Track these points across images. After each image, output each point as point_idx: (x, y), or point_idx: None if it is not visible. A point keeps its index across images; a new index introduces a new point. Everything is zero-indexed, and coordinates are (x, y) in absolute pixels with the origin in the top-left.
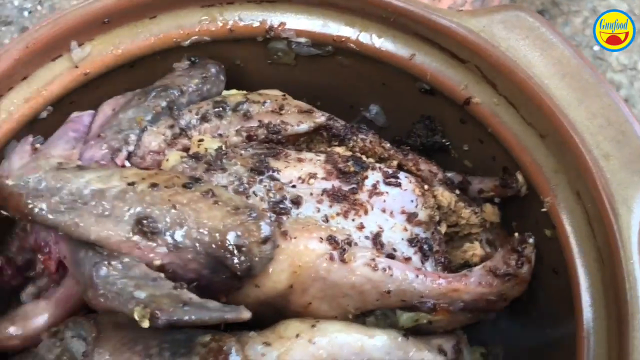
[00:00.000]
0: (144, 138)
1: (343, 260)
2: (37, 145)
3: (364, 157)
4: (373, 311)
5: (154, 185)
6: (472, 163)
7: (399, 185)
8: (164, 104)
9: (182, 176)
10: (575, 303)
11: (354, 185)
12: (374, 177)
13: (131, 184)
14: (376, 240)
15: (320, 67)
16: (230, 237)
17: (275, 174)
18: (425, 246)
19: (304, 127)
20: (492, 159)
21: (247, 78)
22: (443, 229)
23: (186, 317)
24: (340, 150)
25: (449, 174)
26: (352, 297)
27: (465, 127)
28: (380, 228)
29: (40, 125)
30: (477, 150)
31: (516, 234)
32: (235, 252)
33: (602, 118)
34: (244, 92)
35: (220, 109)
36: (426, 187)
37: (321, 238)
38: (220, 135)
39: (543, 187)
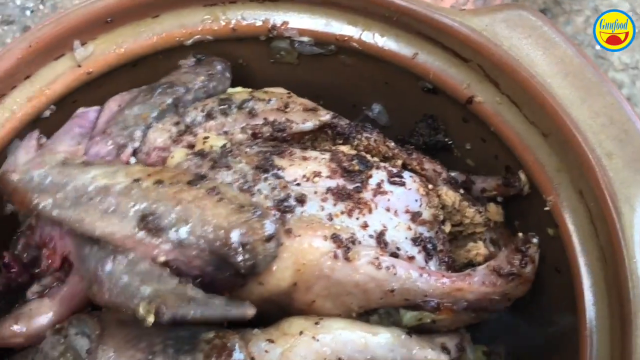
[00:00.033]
0: (150, 134)
1: (347, 259)
2: (43, 141)
3: (368, 156)
4: (377, 310)
5: (159, 182)
6: (475, 162)
7: (403, 184)
8: (169, 100)
9: (187, 173)
10: (578, 302)
11: (359, 184)
12: (378, 176)
13: (136, 180)
14: (380, 239)
15: (322, 66)
16: (235, 235)
17: (280, 172)
18: (429, 245)
19: (309, 125)
20: (494, 157)
21: (250, 77)
22: (447, 228)
23: (191, 313)
24: (344, 148)
25: (453, 174)
26: (355, 295)
27: (467, 126)
28: (384, 227)
29: (43, 124)
30: (479, 149)
31: (520, 234)
32: (239, 249)
33: (604, 117)
34: (249, 89)
35: (226, 106)
36: (430, 186)
37: (325, 236)
38: (225, 132)
39: (546, 186)
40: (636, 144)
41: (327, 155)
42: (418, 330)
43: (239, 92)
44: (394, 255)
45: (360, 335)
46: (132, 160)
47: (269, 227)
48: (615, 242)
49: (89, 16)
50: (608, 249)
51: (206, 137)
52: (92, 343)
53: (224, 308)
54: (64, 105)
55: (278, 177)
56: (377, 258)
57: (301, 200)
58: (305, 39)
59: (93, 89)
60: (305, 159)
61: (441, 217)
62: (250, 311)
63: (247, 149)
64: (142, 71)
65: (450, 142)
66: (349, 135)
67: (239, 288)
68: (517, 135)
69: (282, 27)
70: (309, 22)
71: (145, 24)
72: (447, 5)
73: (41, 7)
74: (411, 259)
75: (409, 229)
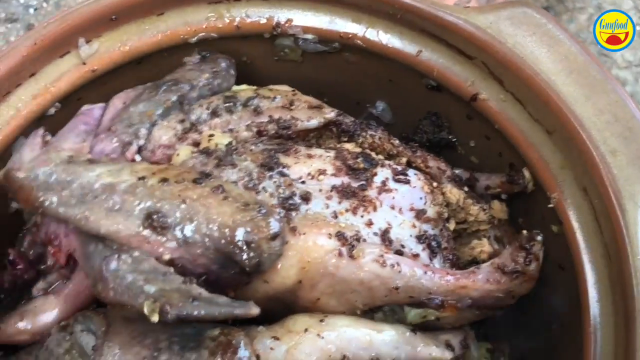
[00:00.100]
0: (155, 132)
1: (352, 256)
2: (48, 138)
3: (373, 154)
4: (381, 307)
5: (164, 180)
6: (479, 159)
7: (408, 182)
8: (174, 98)
9: (192, 171)
10: (582, 299)
11: (363, 182)
12: (383, 174)
13: (141, 178)
14: (385, 236)
15: (326, 64)
16: (240, 233)
17: (285, 170)
18: (433, 243)
19: (314, 122)
20: (498, 155)
21: (254, 75)
22: (452, 225)
23: (195, 312)
24: (349, 146)
25: (457, 171)
26: (360, 293)
27: (471, 124)
28: (389, 224)
29: (48, 122)
30: (483, 147)
31: (524, 232)
32: (244, 248)
33: (609, 114)
34: (254, 87)
35: (231, 103)
36: (435, 184)
37: (330, 234)
38: (230, 130)
39: (550, 183)
40: None
41: (332, 153)
42: (422, 328)
43: (244, 90)
44: (399, 252)
45: (365, 333)
46: (137, 157)
47: (274, 225)
48: (620, 239)
49: (93, 14)
50: (612, 246)
51: (211, 135)
52: (98, 340)
53: (228, 307)
54: (69, 103)
55: (283, 175)
56: (382, 256)
57: (306, 198)
58: (309, 36)
59: (98, 87)
60: (310, 156)
61: (445, 215)
62: (254, 310)
63: (252, 147)
64: (147, 69)
65: (454, 140)
66: (354, 133)
67: (244, 286)
68: (521, 133)
69: (286, 25)
70: (313, 20)
71: (149, 21)
72: (451, 3)
73: (44, 4)
74: (416, 256)
75: (414, 226)
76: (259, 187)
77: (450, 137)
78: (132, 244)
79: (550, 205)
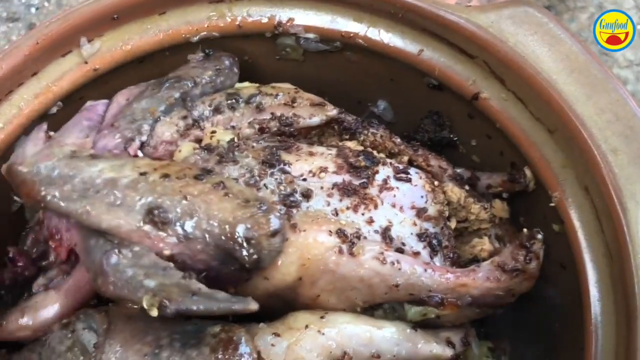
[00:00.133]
0: (157, 128)
1: (352, 254)
2: (51, 133)
3: (374, 152)
4: (381, 305)
5: (165, 176)
6: (480, 158)
7: (409, 180)
8: (177, 95)
9: (193, 167)
10: (584, 298)
11: (365, 180)
12: (384, 172)
13: (143, 174)
14: (385, 234)
15: (328, 63)
16: (240, 230)
17: (286, 167)
18: (434, 241)
19: (316, 120)
20: (500, 154)
21: (256, 73)
22: (453, 224)
23: (194, 307)
24: (351, 144)
25: (458, 170)
26: (360, 290)
27: (473, 123)
28: (390, 222)
29: (50, 121)
30: (485, 146)
31: (525, 230)
32: (244, 244)
33: (610, 113)
34: (257, 84)
35: (233, 100)
36: (436, 182)
37: (330, 231)
38: (232, 127)
39: (551, 182)
40: None
41: (333, 151)
42: (423, 326)
43: (247, 87)
44: (399, 250)
45: (366, 329)
46: (140, 153)
47: (275, 222)
48: (621, 238)
49: (95, 13)
50: (613, 245)
51: (213, 132)
52: (100, 337)
53: (227, 302)
54: (71, 102)
55: (284, 172)
56: (382, 253)
57: (307, 195)
58: (310, 35)
59: (100, 86)
60: (311, 154)
61: (446, 213)
62: (252, 306)
63: (254, 144)
64: (149, 68)
65: (455, 139)
66: (356, 131)
67: (244, 283)
68: (522, 132)
69: (288, 24)
70: (315, 19)
71: (151, 20)
72: (453, 2)
73: (46, 4)
74: (416, 254)
75: (415, 224)
76: (260, 184)
77: (451, 136)
78: (132, 239)
79: (552, 204)
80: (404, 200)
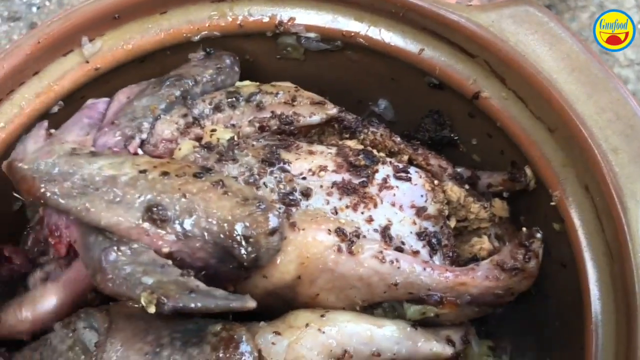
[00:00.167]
0: (157, 126)
1: (351, 252)
2: (52, 131)
3: (374, 151)
4: (381, 303)
5: (165, 174)
6: (481, 157)
7: (409, 180)
8: (177, 93)
9: (193, 165)
10: (584, 296)
11: (364, 179)
12: (384, 171)
13: (143, 171)
14: (385, 233)
15: (329, 62)
16: (238, 228)
17: (286, 166)
18: (433, 240)
19: (316, 118)
20: (500, 153)
21: (257, 73)
22: (452, 223)
23: (192, 304)
24: (351, 143)
25: (459, 169)
26: (359, 289)
27: (473, 122)
28: (389, 221)
29: (52, 120)
30: (485, 145)
31: (524, 229)
32: (243, 242)
33: (610, 112)
34: (257, 83)
35: (234, 99)
36: (436, 182)
37: (329, 230)
38: (233, 125)
39: (552, 181)
40: None
41: (333, 150)
42: (422, 324)
43: (247, 86)
44: (399, 249)
45: (366, 328)
46: (140, 151)
47: (273, 220)
48: (621, 237)
49: (96, 13)
50: (614, 244)
51: (213, 130)
52: (101, 336)
53: (224, 299)
54: (72, 101)
55: (284, 170)
56: (381, 252)
57: (306, 194)
58: (311, 34)
59: (101, 85)
60: (311, 153)
61: (446, 212)
62: (250, 303)
63: (254, 142)
64: (150, 67)
65: (456, 138)
66: (356, 130)
67: (243, 281)
68: (523, 131)
69: (289, 23)
70: (316, 18)
71: (152, 20)
72: (453, 1)
73: (47, 3)
74: (415, 253)
75: (414, 223)
76: (259, 183)
77: (452, 135)
78: (131, 236)
79: (552, 203)
80: (403, 199)
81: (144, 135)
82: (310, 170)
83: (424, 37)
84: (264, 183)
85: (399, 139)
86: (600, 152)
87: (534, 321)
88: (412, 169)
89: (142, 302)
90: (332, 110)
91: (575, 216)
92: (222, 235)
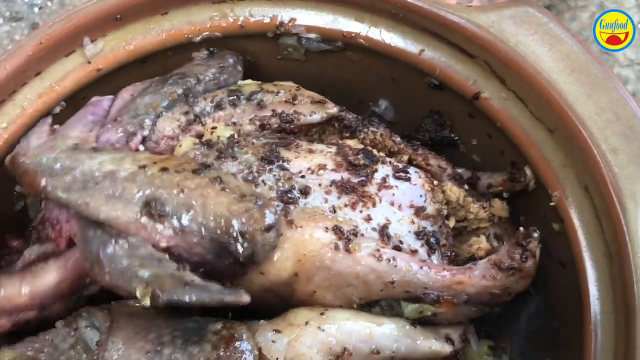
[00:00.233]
0: (159, 123)
1: (348, 250)
2: (56, 127)
3: (374, 151)
4: (378, 302)
5: (164, 170)
6: (481, 157)
7: (408, 179)
8: (180, 91)
9: (192, 162)
10: (583, 296)
11: (363, 178)
12: (383, 170)
13: (142, 167)
14: (383, 232)
15: (329, 63)
16: (235, 224)
17: (285, 164)
18: (432, 239)
19: (317, 117)
20: (500, 153)
21: (258, 73)
22: (452, 223)
23: (186, 297)
24: (351, 143)
25: (459, 170)
26: (356, 286)
27: (473, 122)
28: (388, 220)
29: (54, 120)
30: (485, 145)
31: (521, 228)
32: (239, 238)
33: (610, 113)
34: (259, 82)
35: (235, 97)
36: (435, 182)
37: (327, 227)
38: (233, 123)
39: (551, 182)
40: None
41: (333, 149)
42: (421, 323)
43: (249, 84)
44: (397, 248)
45: (365, 326)
46: (141, 148)
47: (269, 217)
48: (620, 237)
49: (98, 13)
50: (613, 244)
51: (214, 127)
52: (102, 335)
53: (219, 293)
54: (74, 102)
55: (283, 168)
56: (378, 250)
57: (305, 192)
58: (312, 35)
59: (103, 85)
60: (311, 151)
61: (445, 212)
62: (244, 298)
63: (254, 140)
64: (152, 67)
65: (456, 138)
66: (356, 129)
67: (240, 277)
68: (523, 131)
69: (290, 24)
70: (317, 19)
71: (154, 21)
72: (453, 2)
73: (49, 3)
74: (414, 252)
75: (413, 223)
76: (258, 180)
77: (452, 135)
78: (130, 230)
79: (552, 204)
80: (402, 198)
81: (146, 132)
82: (309, 168)
83: (424, 37)
84: (263, 181)
85: (399, 139)
86: (599, 152)
87: (534, 321)
88: (411, 169)
89: (137, 294)
90: (333, 109)
91: (574, 216)
92: (218, 231)
